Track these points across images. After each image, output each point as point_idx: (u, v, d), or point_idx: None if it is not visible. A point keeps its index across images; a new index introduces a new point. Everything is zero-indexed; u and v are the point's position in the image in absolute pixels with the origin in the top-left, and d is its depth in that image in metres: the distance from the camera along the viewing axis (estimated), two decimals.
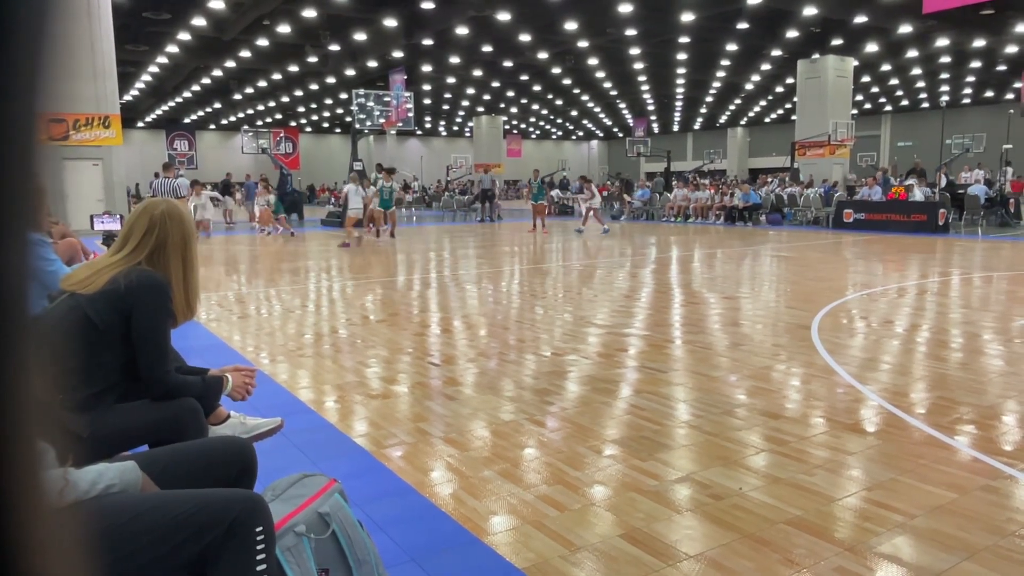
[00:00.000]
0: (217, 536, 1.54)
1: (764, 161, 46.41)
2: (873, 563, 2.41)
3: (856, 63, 25.16)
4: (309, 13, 19.75)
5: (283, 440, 3.56)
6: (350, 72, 26.87)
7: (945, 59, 26.86)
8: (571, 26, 21.09)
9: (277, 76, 29.06)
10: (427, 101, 37.00)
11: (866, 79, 30.67)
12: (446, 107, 40.42)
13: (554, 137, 58.89)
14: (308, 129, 49.93)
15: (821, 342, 5.71)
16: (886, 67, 28.18)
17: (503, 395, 4.42)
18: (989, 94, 36.57)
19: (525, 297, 8.34)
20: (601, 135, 58.32)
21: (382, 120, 23.15)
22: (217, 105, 37.47)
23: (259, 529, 1.58)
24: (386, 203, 16.75)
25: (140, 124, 42.97)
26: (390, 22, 20.55)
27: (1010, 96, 35.36)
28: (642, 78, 31.20)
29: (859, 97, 35.17)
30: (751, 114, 44.40)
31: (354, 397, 4.42)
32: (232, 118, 42.71)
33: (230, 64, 25.91)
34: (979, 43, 23.11)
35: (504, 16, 19.66)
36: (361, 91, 22.95)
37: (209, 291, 8.92)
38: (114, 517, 1.50)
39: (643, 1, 18.79)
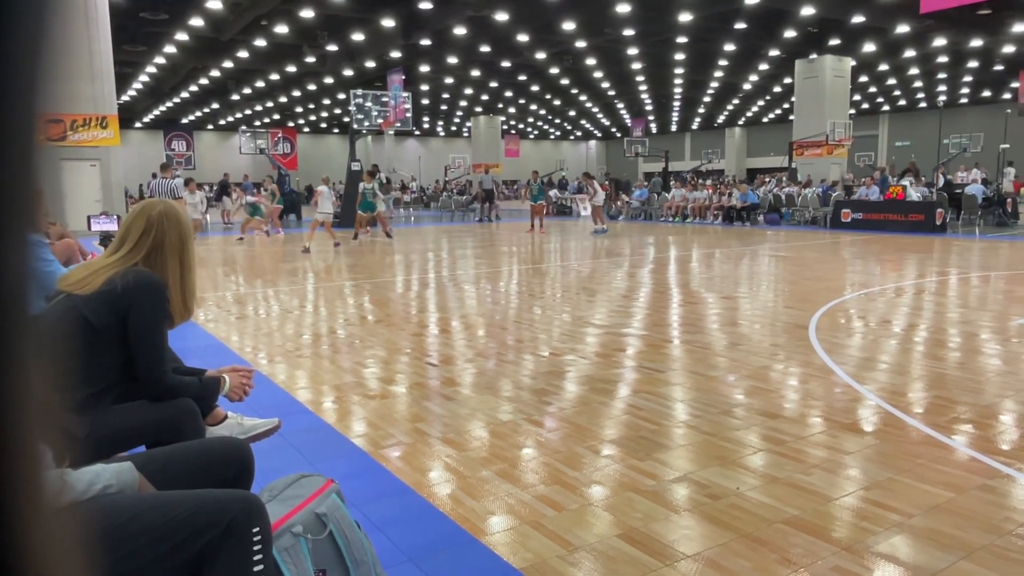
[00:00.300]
0: (214, 537, 1.54)
1: (762, 161, 46.48)
2: (870, 562, 2.41)
3: (854, 63, 25.19)
4: (307, 13, 19.74)
5: (281, 441, 3.55)
6: (348, 72, 26.86)
7: (942, 59, 26.89)
8: (569, 26, 21.10)
9: (275, 76, 29.04)
10: (425, 101, 37.00)
11: (864, 79, 30.72)
12: (444, 107, 40.42)
13: (552, 137, 58.90)
14: (306, 129, 49.90)
15: (819, 342, 5.71)
16: (883, 67, 28.22)
17: (501, 395, 4.42)
18: (986, 94, 36.64)
19: (523, 297, 8.34)
20: (599, 135, 58.34)
21: (380, 120, 23.14)
22: (215, 105, 37.44)
23: (256, 530, 1.58)
24: (368, 205, 16.38)
25: (138, 124, 42.93)
26: (388, 22, 20.54)
27: (1007, 96, 35.44)
28: (640, 78, 31.22)
29: (857, 97, 35.20)
30: (749, 114, 44.45)
31: (352, 397, 4.42)
32: (230, 118, 42.67)
33: (228, 64, 25.89)
34: (976, 43, 23.14)
35: (502, 16, 19.66)
36: (359, 91, 22.94)
37: (207, 292, 8.92)
38: (111, 518, 1.50)
39: (641, 1, 18.79)
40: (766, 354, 5.36)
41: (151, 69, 26.90)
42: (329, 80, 29.45)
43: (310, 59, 24.83)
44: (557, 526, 2.70)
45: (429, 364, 5.21)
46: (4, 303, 0.28)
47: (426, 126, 49.63)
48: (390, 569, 2.37)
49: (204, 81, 30.12)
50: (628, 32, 21.73)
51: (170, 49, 23.41)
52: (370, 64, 25.44)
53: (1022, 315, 6.76)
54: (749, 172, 43.32)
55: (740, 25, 21.35)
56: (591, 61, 26.64)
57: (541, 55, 24.85)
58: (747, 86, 33.13)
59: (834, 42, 23.16)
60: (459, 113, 42.70)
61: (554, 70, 28.15)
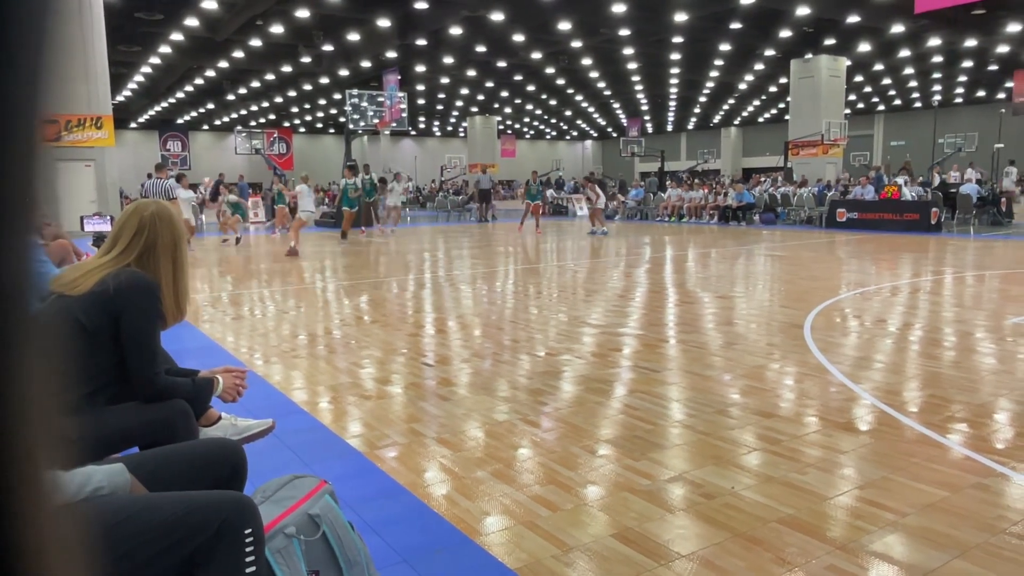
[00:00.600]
0: (206, 538, 1.53)
1: (758, 161, 46.56)
2: (865, 561, 2.42)
3: (849, 63, 25.24)
4: (302, 13, 19.71)
5: (276, 441, 3.55)
6: (344, 72, 26.82)
7: (937, 59, 26.96)
8: (564, 26, 21.10)
9: (270, 76, 28.98)
10: (421, 101, 36.96)
11: (859, 79, 30.78)
12: (440, 107, 40.39)
13: (548, 137, 58.90)
14: (302, 130, 49.82)
15: (814, 341, 5.72)
16: (879, 67, 28.27)
17: (497, 395, 4.42)
18: (981, 94, 36.74)
19: (519, 297, 8.34)
20: (595, 135, 58.36)
21: (376, 120, 23.12)
22: (210, 106, 37.36)
23: (248, 531, 1.58)
24: (349, 202, 16.28)
25: (133, 125, 42.81)
26: (383, 22, 20.52)
27: (1001, 96, 35.54)
28: (636, 78, 31.24)
29: (852, 97, 35.28)
30: (745, 114, 44.51)
31: (347, 398, 4.41)
32: (226, 119, 42.58)
33: (223, 64, 25.83)
34: (971, 43, 23.20)
35: (497, 16, 19.65)
36: (355, 91, 22.92)
37: (202, 292, 8.90)
38: (102, 520, 1.50)
39: (636, 1, 18.80)
40: (761, 353, 5.37)
41: (146, 69, 26.82)
42: (325, 80, 29.41)
43: (306, 59, 24.78)
44: (552, 526, 2.69)
45: (425, 364, 5.21)
46: (5, 304, 0.28)
47: (422, 126, 49.59)
48: (384, 570, 2.37)
49: (199, 81, 30.05)
50: (624, 32, 21.74)
51: (165, 49, 23.35)
52: (366, 64, 25.41)
53: (1016, 314, 6.78)
54: (745, 172, 43.38)
55: (735, 25, 21.37)
56: (587, 61, 26.65)
57: (537, 55, 24.85)
58: (743, 86, 33.17)
59: (829, 42, 23.20)
60: (455, 113, 42.68)
61: (550, 70, 28.15)
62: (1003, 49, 24.50)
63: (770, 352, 5.42)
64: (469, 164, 36.42)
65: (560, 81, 31.42)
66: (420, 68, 26.79)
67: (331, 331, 6.44)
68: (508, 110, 41.69)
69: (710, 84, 32.81)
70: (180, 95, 33.47)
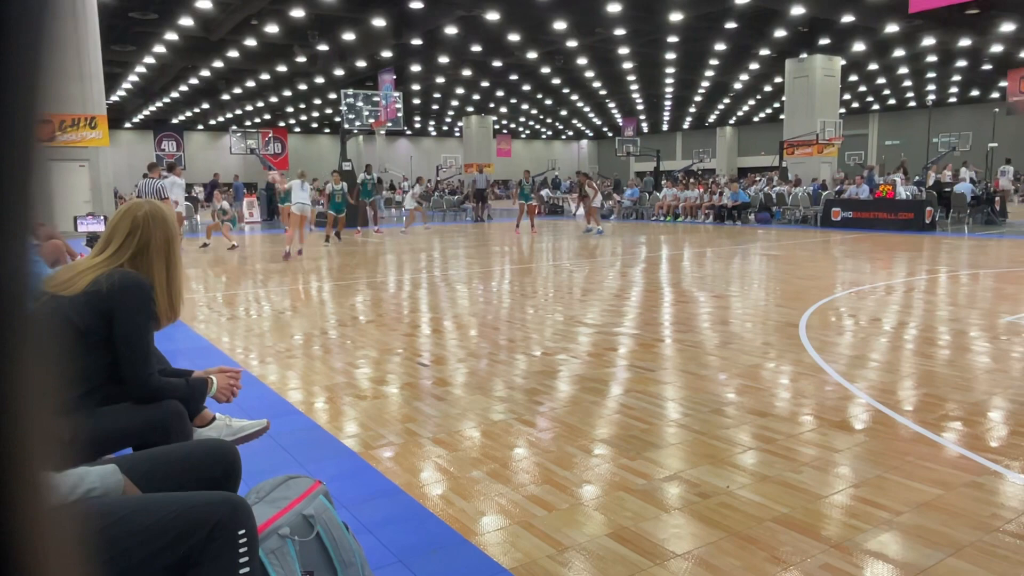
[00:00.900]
0: (199, 539, 1.53)
1: (753, 160, 46.65)
2: (859, 560, 2.42)
3: (843, 62, 25.29)
4: (297, 13, 19.67)
5: (271, 442, 3.54)
6: (339, 72, 26.78)
7: (931, 58, 27.04)
8: (560, 26, 21.10)
9: (265, 76, 28.93)
10: (416, 101, 36.93)
11: (853, 78, 30.85)
12: (435, 107, 40.36)
13: (544, 137, 58.91)
14: (297, 129, 49.74)
15: (809, 340, 5.73)
16: (873, 66, 28.35)
17: (493, 395, 4.42)
18: (975, 93, 36.86)
19: (515, 297, 8.34)
20: (591, 135, 58.39)
21: (371, 120, 23.09)
22: (205, 105, 37.26)
23: (242, 532, 1.57)
24: (336, 206, 16.25)
25: (127, 125, 42.69)
26: (379, 22, 20.49)
27: (995, 95, 35.67)
28: (631, 78, 31.26)
29: (847, 96, 35.37)
30: (740, 113, 44.58)
31: (343, 398, 4.40)
32: (220, 118, 42.49)
33: (218, 64, 25.77)
34: (965, 42, 23.27)
35: (493, 16, 19.64)
36: (350, 91, 22.88)
37: (198, 293, 8.87)
38: (95, 521, 1.49)
39: (631, 1, 18.82)
40: (757, 353, 5.38)
41: (141, 69, 26.74)
42: (320, 80, 29.36)
43: (301, 59, 24.75)
44: (547, 526, 2.69)
45: (420, 364, 5.20)
46: (5, 305, 0.28)
47: (417, 126, 49.56)
48: (379, 570, 2.37)
49: (194, 81, 29.97)
50: (619, 32, 21.76)
51: (160, 49, 23.29)
52: (361, 64, 25.38)
53: (1010, 313, 6.80)
54: (740, 171, 43.47)
55: (731, 24, 21.40)
56: (582, 61, 26.66)
57: (532, 55, 24.85)
58: (738, 85, 33.22)
59: (824, 41, 23.25)
60: (451, 113, 42.65)
61: (545, 70, 28.15)
62: (997, 49, 24.59)
63: (765, 351, 5.42)
64: (465, 164, 36.40)
65: (556, 81, 31.42)
66: (415, 68, 26.78)
67: (326, 331, 6.43)
68: (504, 110, 41.70)
69: (705, 84, 32.85)
70: (175, 95, 33.38)
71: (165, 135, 36.19)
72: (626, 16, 20.04)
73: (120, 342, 2.12)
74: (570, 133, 57.33)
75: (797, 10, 19.30)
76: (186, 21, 20.14)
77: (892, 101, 39.82)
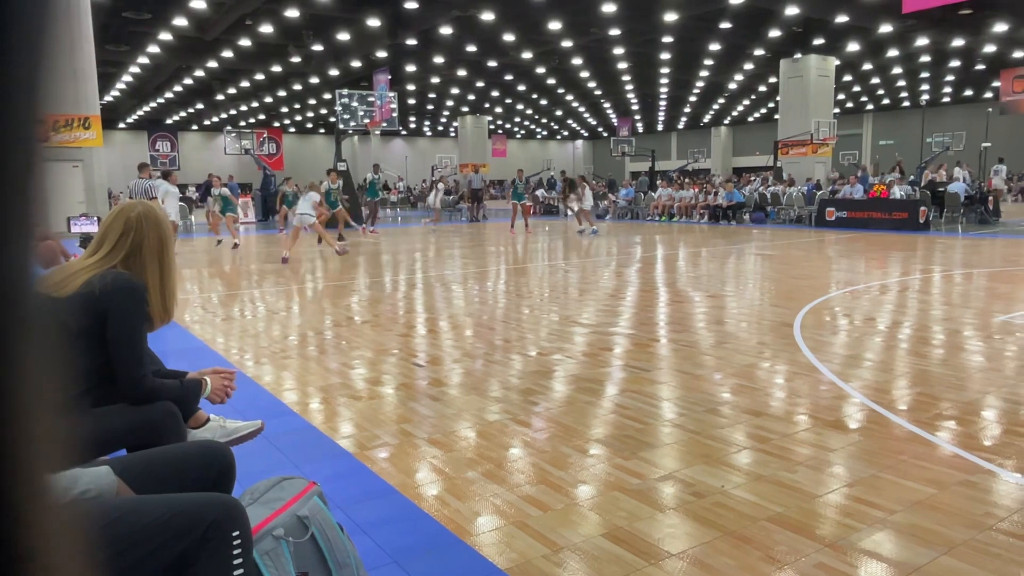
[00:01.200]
0: (193, 541, 1.52)
1: (747, 160, 46.75)
2: (853, 559, 2.43)
3: (838, 62, 25.35)
4: (292, 13, 19.64)
5: (266, 443, 3.53)
6: (334, 72, 26.74)
7: (925, 58, 27.13)
8: (555, 26, 21.11)
9: (260, 76, 28.86)
10: (411, 101, 36.89)
11: (848, 78, 30.94)
12: (431, 107, 40.32)
13: (539, 137, 58.91)
14: (292, 130, 49.63)
15: (803, 340, 5.74)
16: (867, 66, 28.43)
17: (488, 395, 4.42)
18: (968, 93, 37.00)
19: (511, 297, 8.34)
20: (586, 135, 58.42)
21: (366, 120, 23.06)
22: (200, 106, 37.16)
23: (236, 533, 1.57)
24: (332, 204, 16.24)
25: (121, 125, 42.54)
26: (373, 22, 20.47)
27: (988, 95, 35.81)
28: (626, 78, 31.29)
29: (841, 96, 35.45)
30: (734, 113, 44.67)
31: (338, 399, 4.40)
32: (215, 119, 42.35)
33: (212, 64, 25.70)
34: (958, 42, 23.36)
35: (488, 16, 19.64)
36: (345, 91, 22.85)
37: (192, 293, 8.85)
38: (89, 523, 1.48)
39: (626, 1, 18.84)
40: (751, 352, 5.39)
41: (134, 69, 26.66)
42: (315, 80, 29.30)
43: (295, 59, 24.70)
44: (542, 526, 2.69)
45: (416, 365, 5.20)
46: (7, 307, 0.28)
47: (413, 126, 49.50)
48: (375, 571, 2.36)
49: (188, 81, 29.89)
50: (614, 32, 21.78)
51: (154, 49, 23.21)
52: (356, 64, 25.34)
53: (1004, 312, 6.83)
54: (735, 171, 43.54)
55: (725, 25, 21.44)
56: (577, 61, 26.68)
57: (527, 55, 24.85)
58: (732, 85, 33.28)
59: (818, 41, 23.31)
60: (446, 113, 42.61)
61: (540, 70, 28.16)
62: (990, 49, 24.68)
63: (760, 351, 5.44)
64: (460, 164, 36.39)
65: (551, 81, 31.43)
66: (410, 68, 26.75)
67: (322, 332, 6.42)
68: (499, 110, 41.67)
69: (700, 84, 32.90)
70: (169, 95, 33.28)
71: (159, 135, 36.11)
72: (621, 16, 20.06)
73: (113, 343, 2.11)
74: (565, 133, 57.35)
75: (791, 10, 19.35)
76: (180, 21, 20.08)
77: (886, 101, 39.95)
